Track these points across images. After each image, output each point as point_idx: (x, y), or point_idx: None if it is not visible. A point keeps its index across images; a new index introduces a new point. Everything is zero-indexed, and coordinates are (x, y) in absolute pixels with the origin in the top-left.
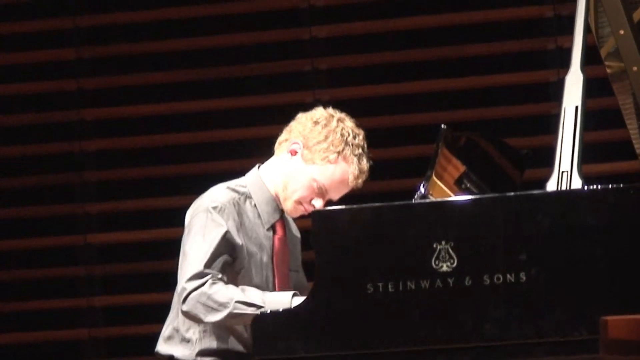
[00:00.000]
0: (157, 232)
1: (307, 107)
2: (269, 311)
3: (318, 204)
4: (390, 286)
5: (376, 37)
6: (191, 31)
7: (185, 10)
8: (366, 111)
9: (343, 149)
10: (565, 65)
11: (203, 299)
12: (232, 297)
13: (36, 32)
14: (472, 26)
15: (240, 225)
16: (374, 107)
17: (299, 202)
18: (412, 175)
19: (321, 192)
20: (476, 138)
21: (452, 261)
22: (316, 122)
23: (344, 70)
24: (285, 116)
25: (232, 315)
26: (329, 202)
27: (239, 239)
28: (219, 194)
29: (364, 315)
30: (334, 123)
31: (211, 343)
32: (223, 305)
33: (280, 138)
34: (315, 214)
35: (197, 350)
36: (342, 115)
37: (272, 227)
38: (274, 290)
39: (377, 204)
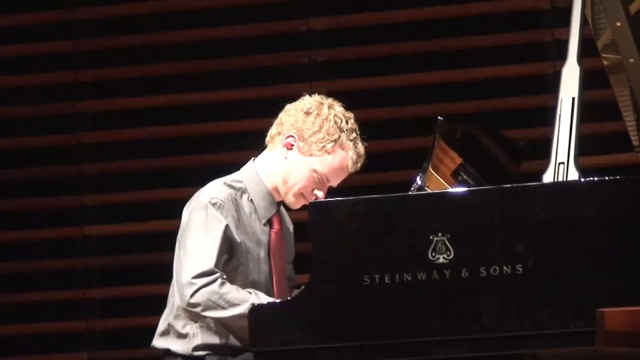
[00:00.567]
0: (154, 224)
1: None
2: (265, 302)
3: (320, 193)
4: (386, 278)
5: (373, 29)
6: (189, 23)
7: (182, 2)
8: (363, 103)
9: (339, 137)
10: (562, 57)
11: (214, 297)
12: (244, 298)
13: (33, 24)
14: (469, 18)
15: (238, 221)
16: (371, 99)
17: (300, 194)
18: (409, 167)
19: (322, 182)
20: (473, 130)
21: (448, 253)
22: (307, 113)
23: (341, 62)
24: (282, 108)
25: (243, 316)
26: (328, 189)
27: (237, 236)
28: (217, 190)
29: (361, 307)
30: (325, 110)
31: (208, 338)
32: (234, 305)
33: (272, 132)
34: (312, 206)
35: (193, 345)
36: (330, 100)
37: (269, 221)
38: (272, 284)
39: (374, 196)
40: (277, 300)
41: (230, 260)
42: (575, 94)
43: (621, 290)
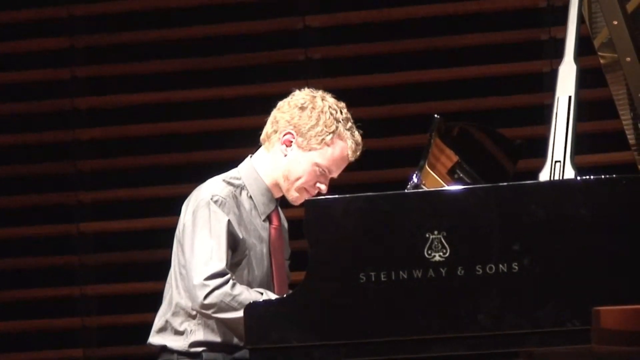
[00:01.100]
0: (150, 221)
1: None
2: (261, 300)
3: (323, 186)
4: (382, 276)
5: (370, 26)
6: (186, 20)
7: None
8: (360, 101)
9: (337, 127)
10: (559, 55)
11: (227, 299)
12: (256, 299)
13: (30, 20)
14: (466, 16)
15: (240, 218)
16: (368, 97)
17: (303, 189)
18: (405, 165)
19: (324, 174)
20: (469, 128)
21: (444, 251)
22: (302, 108)
23: (338, 60)
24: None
25: None
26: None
27: (239, 232)
28: (217, 187)
29: (357, 305)
30: (319, 103)
31: (205, 335)
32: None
33: (267, 130)
34: (308, 203)
35: (190, 341)
36: (321, 92)
37: (268, 218)
38: (272, 280)
39: (370, 194)
40: (270, 294)
41: (233, 255)
42: (572, 93)
43: (617, 288)
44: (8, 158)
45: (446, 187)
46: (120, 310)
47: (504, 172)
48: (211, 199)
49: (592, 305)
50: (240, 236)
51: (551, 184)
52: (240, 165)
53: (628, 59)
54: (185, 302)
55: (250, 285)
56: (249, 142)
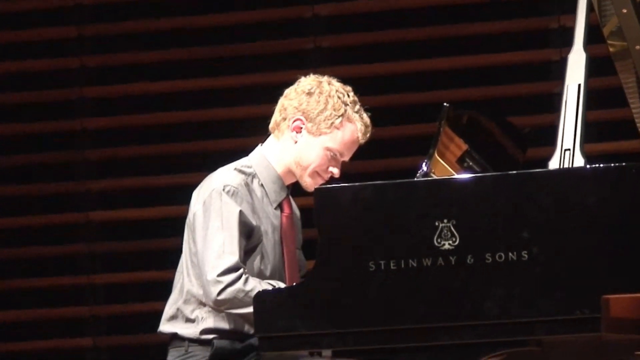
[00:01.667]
0: (158, 209)
1: None
2: (270, 288)
3: (335, 170)
4: (392, 264)
5: (379, 15)
6: (194, 9)
7: None
8: (369, 89)
9: (345, 110)
10: (568, 44)
11: (241, 295)
12: None
13: (38, 9)
14: (475, 5)
15: (253, 206)
16: (377, 86)
17: (316, 173)
18: (414, 153)
19: (335, 158)
20: (478, 116)
21: (454, 239)
22: (309, 93)
23: (346, 48)
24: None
25: None
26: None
27: (253, 220)
28: (229, 176)
29: (366, 293)
30: (326, 87)
31: (216, 322)
32: None
33: (276, 118)
34: (318, 192)
35: (201, 328)
36: (327, 77)
37: (280, 205)
38: (284, 268)
39: (379, 182)
40: (282, 286)
41: (247, 243)
42: (581, 81)
43: (626, 277)
44: (16, 147)
45: (455, 176)
46: (129, 299)
47: (514, 161)
48: (223, 189)
49: (601, 293)
50: (254, 223)
51: (560, 172)
52: (251, 154)
53: (637, 47)
54: (197, 290)
55: (262, 272)
56: (258, 130)
